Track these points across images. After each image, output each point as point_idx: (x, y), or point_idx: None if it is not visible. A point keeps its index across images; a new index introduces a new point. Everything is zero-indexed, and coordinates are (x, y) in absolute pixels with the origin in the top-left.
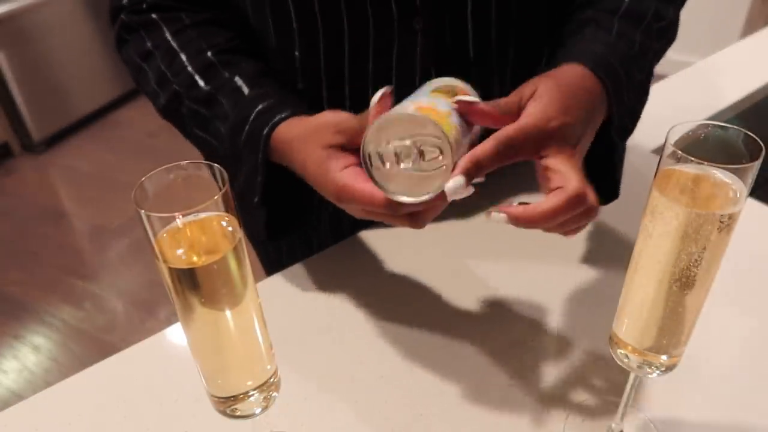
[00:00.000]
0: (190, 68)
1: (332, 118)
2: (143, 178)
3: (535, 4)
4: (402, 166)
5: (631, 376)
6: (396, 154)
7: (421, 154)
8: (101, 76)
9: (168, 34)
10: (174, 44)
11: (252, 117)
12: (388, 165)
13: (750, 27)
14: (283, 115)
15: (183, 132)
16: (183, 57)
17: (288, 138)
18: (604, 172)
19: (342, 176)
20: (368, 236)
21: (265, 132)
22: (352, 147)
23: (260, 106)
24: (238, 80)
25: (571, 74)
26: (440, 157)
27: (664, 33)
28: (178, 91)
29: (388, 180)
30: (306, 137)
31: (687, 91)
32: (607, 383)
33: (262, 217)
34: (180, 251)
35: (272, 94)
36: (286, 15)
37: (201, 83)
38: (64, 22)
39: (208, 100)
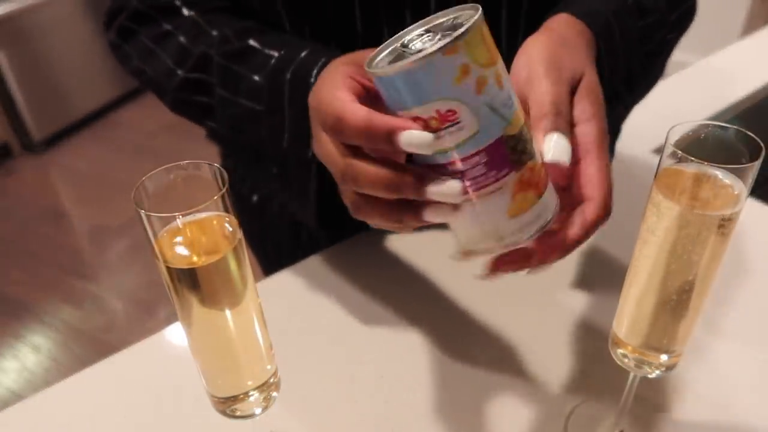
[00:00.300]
0: (223, 30)
1: None
2: (143, 178)
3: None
4: (411, 45)
5: (631, 376)
6: (422, 42)
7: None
8: (101, 76)
9: (194, 15)
10: (201, 21)
11: (301, 57)
12: (401, 45)
13: (750, 27)
14: (339, 52)
15: (199, 111)
16: (213, 30)
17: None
18: None
19: (339, 92)
20: (368, 237)
21: (320, 63)
22: None
23: (310, 48)
24: (282, 35)
25: (566, 29)
26: (446, 49)
27: (675, 3)
28: (205, 53)
29: (389, 54)
30: (353, 56)
31: (687, 91)
32: (607, 383)
33: (313, 183)
34: (180, 250)
35: (324, 46)
36: (300, 18)
37: (235, 40)
38: (64, 22)
39: (243, 54)
